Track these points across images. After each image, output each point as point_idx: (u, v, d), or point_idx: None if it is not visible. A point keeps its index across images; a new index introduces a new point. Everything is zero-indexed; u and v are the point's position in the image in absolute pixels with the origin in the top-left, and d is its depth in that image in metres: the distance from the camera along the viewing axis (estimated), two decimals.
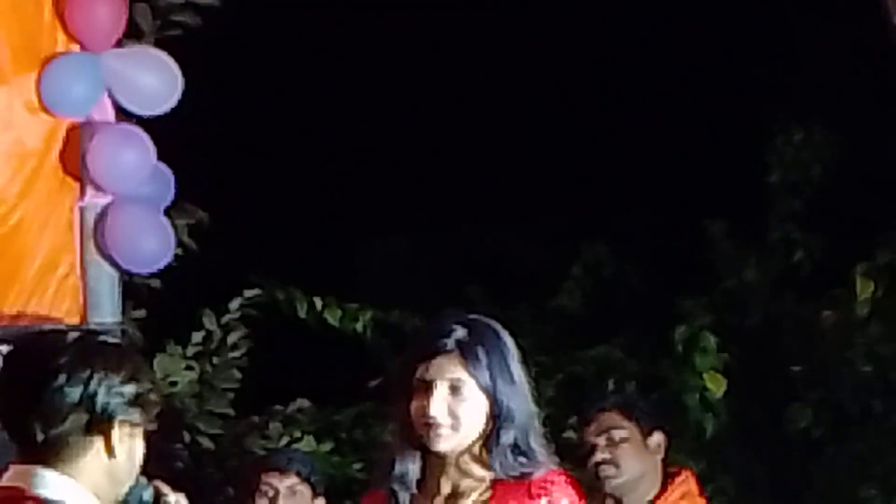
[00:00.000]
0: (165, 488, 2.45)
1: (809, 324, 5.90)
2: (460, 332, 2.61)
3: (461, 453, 2.61)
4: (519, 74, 7.59)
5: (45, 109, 4.52)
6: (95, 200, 4.58)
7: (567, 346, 6.21)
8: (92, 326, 4.06)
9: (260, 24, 7.06)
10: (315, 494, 4.09)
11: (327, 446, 5.86)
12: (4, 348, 3.63)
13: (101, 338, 2.48)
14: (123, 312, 4.86)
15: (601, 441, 3.91)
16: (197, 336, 6.02)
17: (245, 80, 7.27)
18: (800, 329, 5.96)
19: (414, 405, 2.59)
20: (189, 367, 5.94)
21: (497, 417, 2.61)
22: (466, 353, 2.60)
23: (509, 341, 2.67)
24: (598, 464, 3.93)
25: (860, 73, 6.55)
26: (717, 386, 5.74)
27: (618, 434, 3.91)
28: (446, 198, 7.73)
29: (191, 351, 6.00)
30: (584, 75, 7.19)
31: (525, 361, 2.71)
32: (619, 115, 7.02)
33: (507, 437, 2.61)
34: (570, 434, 4.92)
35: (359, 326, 6.34)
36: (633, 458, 3.92)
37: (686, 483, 4.08)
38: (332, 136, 7.57)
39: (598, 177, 7.23)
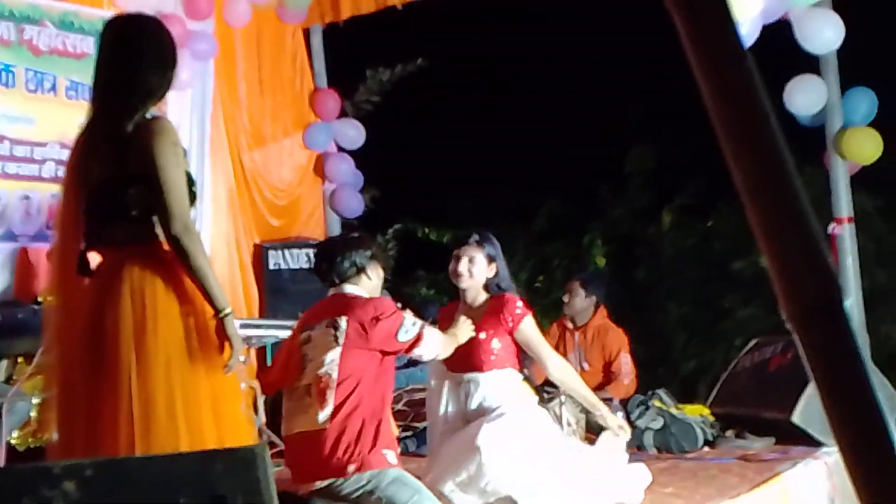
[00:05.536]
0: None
1: None
2: (477, 237, 3.96)
3: (474, 290, 3.90)
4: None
5: (307, 147, 7.16)
6: (333, 186, 7.29)
7: None
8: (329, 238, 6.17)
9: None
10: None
11: (432, 291, 8.65)
12: (309, 251, 6.34)
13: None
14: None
15: (567, 295, 5.90)
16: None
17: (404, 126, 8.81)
18: None
19: (451, 266, 3.93)
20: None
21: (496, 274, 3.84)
22: (482, 242, 3.93)
23: (496, 242, 3.96)
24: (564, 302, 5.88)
25: None
26: None
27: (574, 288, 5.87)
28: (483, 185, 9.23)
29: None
30: None
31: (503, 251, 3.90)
32: None
33: (498, 280, 3.86)
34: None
35: (445, 239, 8.99)
36: (580, 299, 5.92)
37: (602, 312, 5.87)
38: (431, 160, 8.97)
39: None
